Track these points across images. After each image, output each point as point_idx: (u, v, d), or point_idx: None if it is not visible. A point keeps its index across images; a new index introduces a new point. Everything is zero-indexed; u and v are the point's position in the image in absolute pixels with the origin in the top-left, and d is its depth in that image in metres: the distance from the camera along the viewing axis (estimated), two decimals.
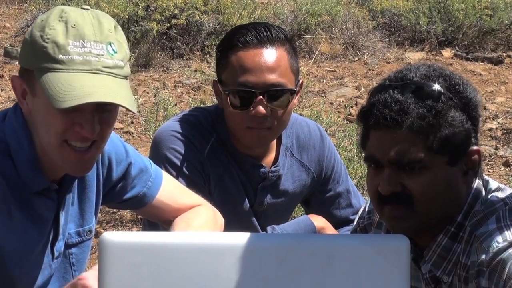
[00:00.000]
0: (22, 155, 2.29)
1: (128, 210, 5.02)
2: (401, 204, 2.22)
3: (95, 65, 2.20)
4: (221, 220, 2.68)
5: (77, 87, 2.16)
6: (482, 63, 9.45)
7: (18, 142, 2.30)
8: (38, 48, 2.20)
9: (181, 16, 9.13)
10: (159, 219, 2.69)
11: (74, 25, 2.21)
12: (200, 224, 2.57)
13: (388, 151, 2.21)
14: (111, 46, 2.23)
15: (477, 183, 2.31)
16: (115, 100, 2.19)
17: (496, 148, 7.05)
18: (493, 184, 2.33)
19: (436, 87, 2.23)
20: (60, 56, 2.18)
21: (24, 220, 2.31)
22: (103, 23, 2.25)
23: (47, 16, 2.25)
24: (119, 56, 2.24)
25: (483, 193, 2.30)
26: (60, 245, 2.44)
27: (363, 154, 2.32)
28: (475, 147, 2.27)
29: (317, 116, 6.25)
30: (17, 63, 9.53)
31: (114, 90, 2.20)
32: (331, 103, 8.15)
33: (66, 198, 2.42)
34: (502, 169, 6.66)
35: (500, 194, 2.29)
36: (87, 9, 2.26)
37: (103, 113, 2.24)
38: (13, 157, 2.29)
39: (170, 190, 2.67)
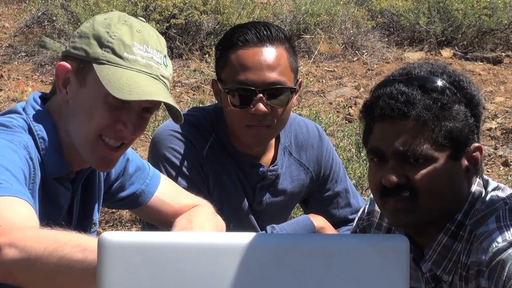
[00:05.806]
0: (47, 141, 2.34)
1: (127, 210, 5.01)
2: (404, 196, 2.22)
3: (155, 71, 2.31)
4: (221, 220, 2.68)
5: (143, 85, 2.26)
6: (481, 63, 9.45)
7: (43, 129, 2.34)
8: (103, 42, 2.29)
9: (180, 16, 9.13)
10: (158, 220, 2.68)
11: (139, 30, 2.33)
12: (202, 220, 2.57)
13: (393, 142, 2.21)
14: (165, 59, 2.37)
15: (477, 182, 2.31)
16: (174, 104, 2.29)
17: (496, 148, 7.06)
18: (493, 184, 2.33)
19: (441, 81, 2.24)
20: (125, 54, 2.28)
21: (46, 205, 2.34)
22: (160, 37, 2.40)
23: (109, 17, 2.35)
24: (169, 70, 2.37)
25: (483, 192, 2.30)
26: None
27: (365, 151, 2.32)
28: (477, 144, 2.28)
29: (316, 116, 6.24)
30: (16, 63, 9.51)
31: (170, 97, 2.31)
32: (330, 103, 8.15)
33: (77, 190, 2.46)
34: (501, 168, 6.66)
35: (500, 194, 2.29)
36: (143, 21, 2.39)
37: (141, 119, 2.33)
38: (38, 143, 2.33)
39: (168, 190, 2.68)
